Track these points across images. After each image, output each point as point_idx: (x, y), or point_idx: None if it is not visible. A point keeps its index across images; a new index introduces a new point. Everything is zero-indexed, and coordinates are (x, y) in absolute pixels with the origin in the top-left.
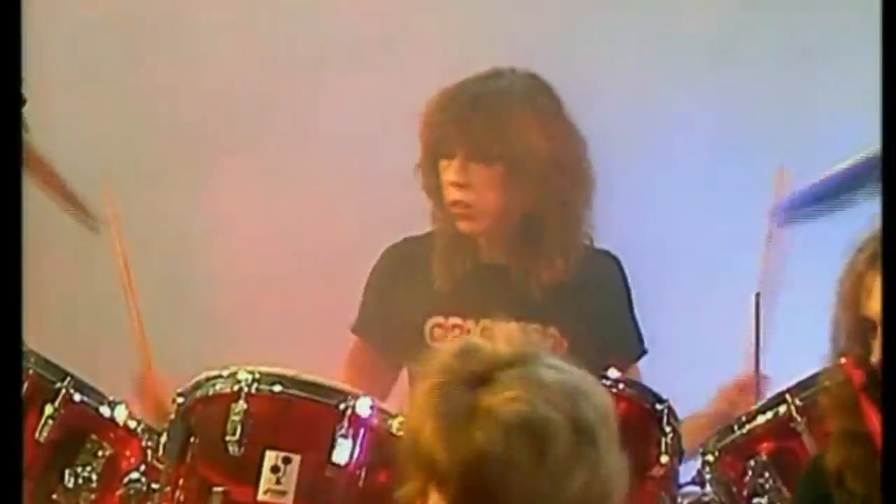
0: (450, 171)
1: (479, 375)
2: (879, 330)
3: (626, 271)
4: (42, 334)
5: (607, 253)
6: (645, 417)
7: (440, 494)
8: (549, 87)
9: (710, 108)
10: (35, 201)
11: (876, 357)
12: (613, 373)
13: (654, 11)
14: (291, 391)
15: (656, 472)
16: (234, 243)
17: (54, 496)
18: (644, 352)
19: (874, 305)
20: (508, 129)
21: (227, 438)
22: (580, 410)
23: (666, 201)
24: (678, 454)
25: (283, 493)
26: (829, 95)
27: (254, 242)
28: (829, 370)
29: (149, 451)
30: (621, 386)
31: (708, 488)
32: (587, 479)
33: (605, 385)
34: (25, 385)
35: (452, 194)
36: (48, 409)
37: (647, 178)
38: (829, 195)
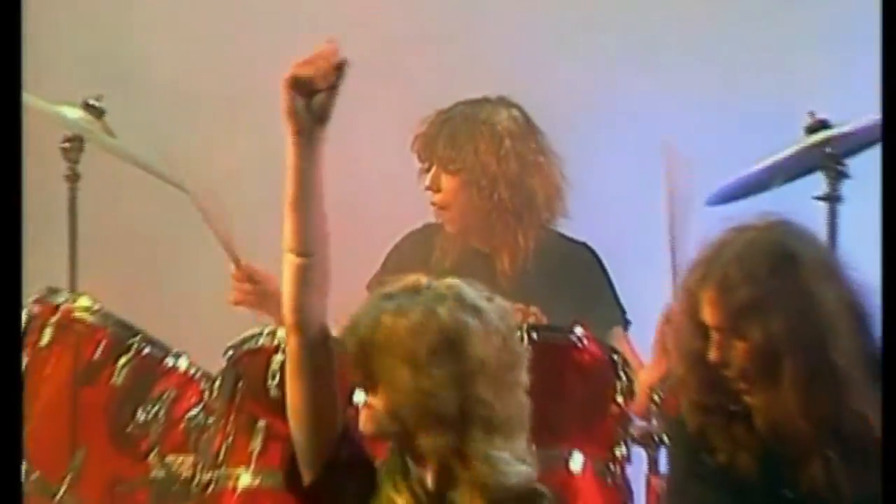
0: (427, 178)
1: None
2: (714, 332)
3: (602, 258)
4: (118, 295)
5: (582, 243)
6: (604, 366)
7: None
8: (519, 114)
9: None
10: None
11: (714, 352)
12: (579, 330)
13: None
14: None
15: (613, 409)
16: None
17: (128, 430)
18: (628, 322)
19: (707, 314)
20: (465, 148)
21: (269, 383)
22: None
23: (637, 202)
24: (630, 395)
25: None
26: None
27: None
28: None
29: (205, 393)
30: (585, 342)
31: (654, 422)
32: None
33: (570, 339)
34: (104, 343)
35: (431, 196)
36: (122, 360)
37: (618, 180)
38: (757, 185)
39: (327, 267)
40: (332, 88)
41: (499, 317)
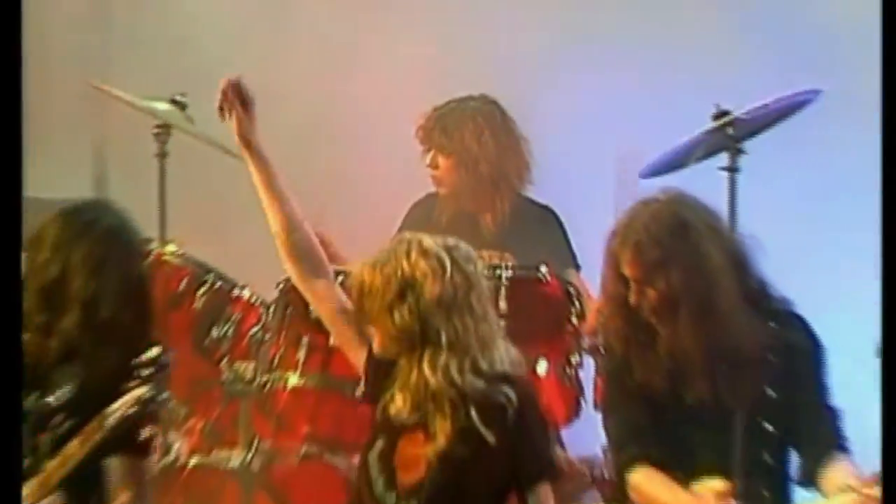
0: (427, 158)
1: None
2: (632, 283)
3: (561, 217)
4: (196, 243)
5: (546, 206)
6: (562, 296)
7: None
8: (496, 107)
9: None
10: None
11: (633, 297)
12: (544, 269)
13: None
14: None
15: (569, 328)
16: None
17: (205, 343)
18: (579, 266)
19: (626, 269)
20: (455, 136)
21: (310, 308)
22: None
23: (589, 175)
24: (582, 317)
25: None
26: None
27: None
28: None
29: (263, 316)
30: (548, 278)
31: (599, 338)
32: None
33: (537, 276)
34: (186, 278)
35: (430, 172)
36: (200, 291)
37: (575, 158)
38: (682, 158)
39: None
40: (241, 106)
41: (464, 259)
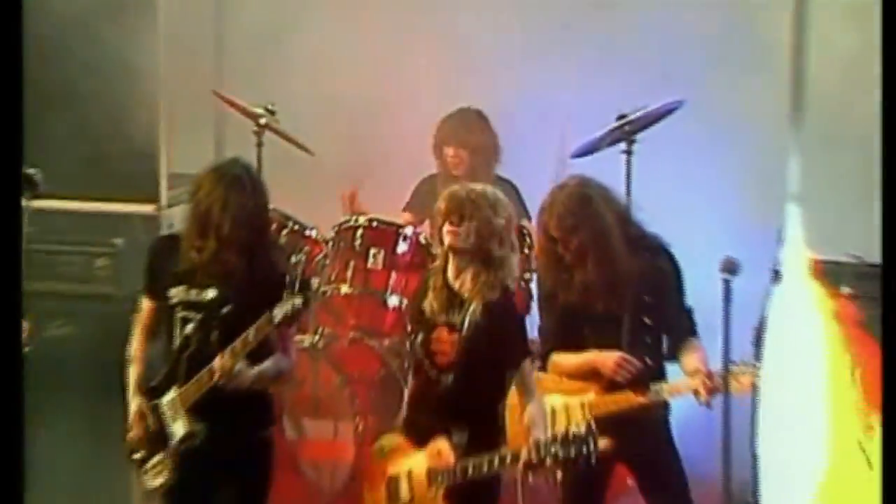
0: (449, 151)
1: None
2: (558, 241)
3: (518, 187)
4: (284, 200)
5: (508, 180)
6: (519, 233)
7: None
8: (481, 114)
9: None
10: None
11: (559, 249)
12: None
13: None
14: (381, 224)
15: (523, 255)
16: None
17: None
18: (531, 217)
19: (553, 232)
20: (465, 136)
21: (354, 242)
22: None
23: (536, 160)
24: (531, 248)
25: (376, 264)
26: None
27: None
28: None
29: (325, 248)
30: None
31: (537, 273)
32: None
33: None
34: (275, 224)
35: (451, 160)
36: (284, 231)
37: (526, 146)
38: (598, 144)
39: None
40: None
41: (505, 204)
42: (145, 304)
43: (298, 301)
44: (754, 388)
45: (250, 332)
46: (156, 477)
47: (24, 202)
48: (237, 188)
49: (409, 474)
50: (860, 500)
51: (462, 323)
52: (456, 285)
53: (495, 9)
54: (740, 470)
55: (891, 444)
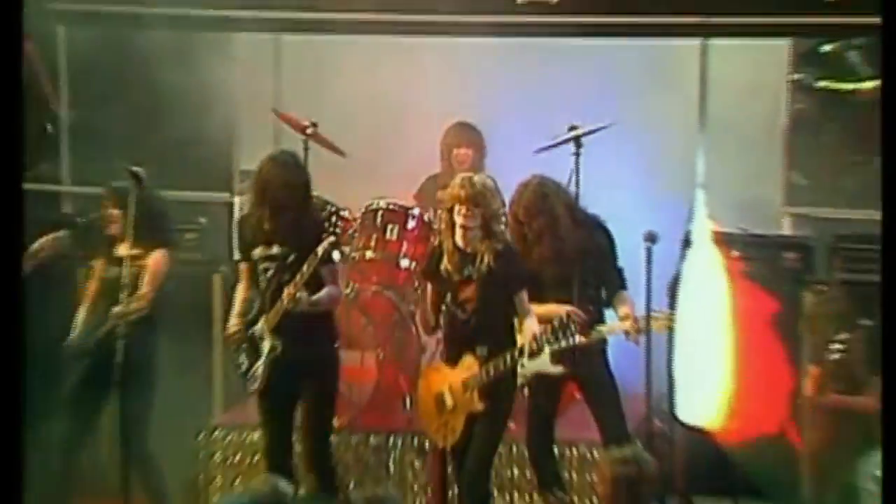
0: (461, 150)
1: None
2: (525, 224)
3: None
4: (324, 185)
5: (490, 176)
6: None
7: None
8: (475, 126)
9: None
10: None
11: (526, 231)
12: None
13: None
14: (396, 207)
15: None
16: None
17: (323, 236)
18: (504, 204)
19: (521, 217)
20: (469, 139)
21: (377, 220)
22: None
23: (513, 159)
24: (506, 226)
25: (392, 236)
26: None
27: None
28: None
29: (355, 225)
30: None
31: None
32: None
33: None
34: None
35: (461, 157)
36: (323, 213)
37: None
38: (554, 146)
39: None
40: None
41: (497, 189)
42: (242, 266)
43: (331, 240)
44: (669, 327)
45: (304, 268)
46: (253, 383)
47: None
48: (285, 168)
49: (450, 388)
50: (745, 402)
51: (477, 273)
52: (468, 249)
53: (483, 52)
54: (659, 386)
55: (891, 446)
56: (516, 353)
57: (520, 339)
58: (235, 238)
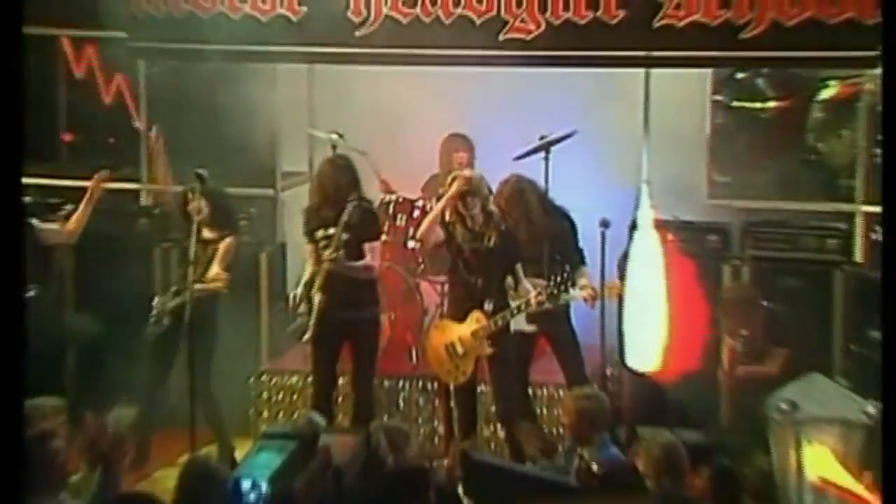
0: (460, 153)
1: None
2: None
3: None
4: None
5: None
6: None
7: None
8: (467, 136)
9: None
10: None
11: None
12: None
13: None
14: (404, 200)
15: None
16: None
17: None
18: (491, 192)
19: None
20: (465, 146)
21: (389, 211)
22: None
23: (497, 161)
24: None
25: (401, 223)
26: None
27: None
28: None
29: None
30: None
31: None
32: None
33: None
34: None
35: (461, 159)
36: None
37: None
38: (530, 152)
39: None
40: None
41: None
42: (308, 247)
43: (354, 204)
44: (619, 295)
45: (338, 232)
46: (305, 333)
47: (190, 192)
48: (338, 169)
49: (460, 338)
50: (676, 349)
51: (485, 248)
52: (476, 229)
53: (472, 78)
54: (611, 340)
55: (890, 445)
56: (515, 309)
57: (514, 301)
58: (302, 225)
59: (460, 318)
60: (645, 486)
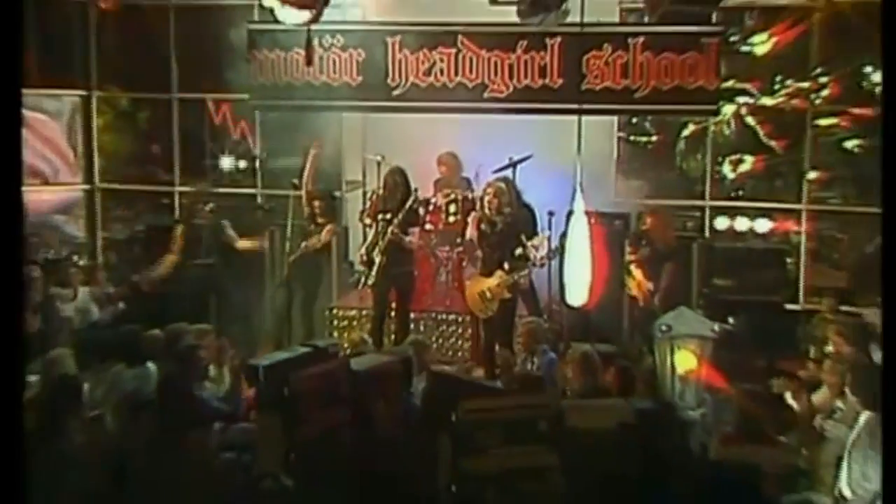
0: (443, 167)
1: None
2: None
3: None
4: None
5: (467, 177)
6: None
7: None
8: (454, 153)
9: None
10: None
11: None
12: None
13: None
14: (422, 198)
15: None
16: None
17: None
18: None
19: (494, 205)
20: (451, 159)
21: (414, 205)
22: None
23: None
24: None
25: (424, 214)
26: None
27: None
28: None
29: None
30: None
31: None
32: None
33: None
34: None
35: (445, 167)
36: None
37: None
38: (506, 167)
39: None
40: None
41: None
42: (372, 226)
43: (413, 198)
44: (560, 260)
45: (399, 217)
46: (369, 280)
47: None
48: (396, 174)
49: (489, 288)
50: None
51: (500, 231)
52: (493, 218)
53: (464, 119)
54: (555, 286)
55: (890, 443)
56: (525, 270)
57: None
58: (367, 209)
59: (488, 275)
60: (549, 388)
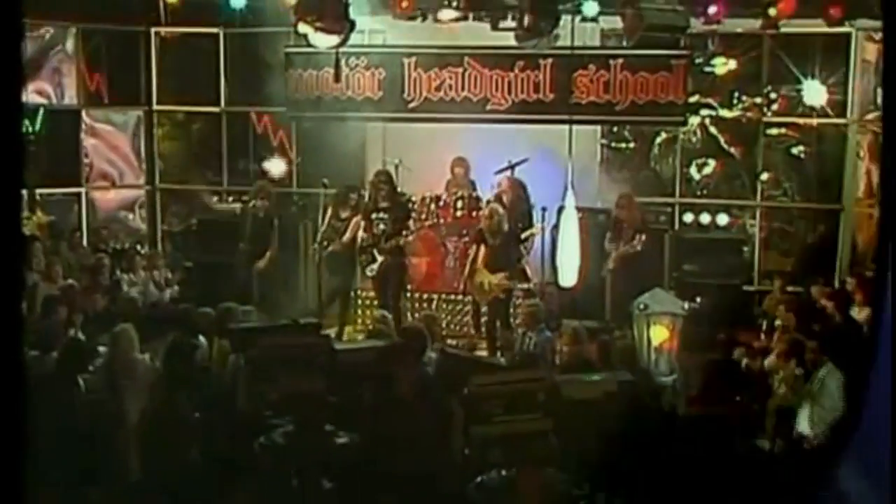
0: (457, 169)
1: None
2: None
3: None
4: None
5: (472, 181)
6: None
7: None
8: (464, 157)
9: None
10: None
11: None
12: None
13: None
14: (433, 195)
15: None
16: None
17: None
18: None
19: (505, 197)
20: (463, 163)
21: (426, 202)
22: None
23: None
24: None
25: (435, 209)
26: None
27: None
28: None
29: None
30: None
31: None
32: None
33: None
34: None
35: (459, 170)
36: (405, 198)
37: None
38: (504, 168)
39: None
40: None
41: None
42: (363, 223)
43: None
44: (554, 244)
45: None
46: (372, 273)
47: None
48: (385, 176)
49: (490, 282)
50: (581, 270)
51: (499, 234)
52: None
53: (469, 128)
54: (548, 269)
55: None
56: (517, 283)
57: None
58: (361, 212)
59: (493, 271)
60: (546, 364)
